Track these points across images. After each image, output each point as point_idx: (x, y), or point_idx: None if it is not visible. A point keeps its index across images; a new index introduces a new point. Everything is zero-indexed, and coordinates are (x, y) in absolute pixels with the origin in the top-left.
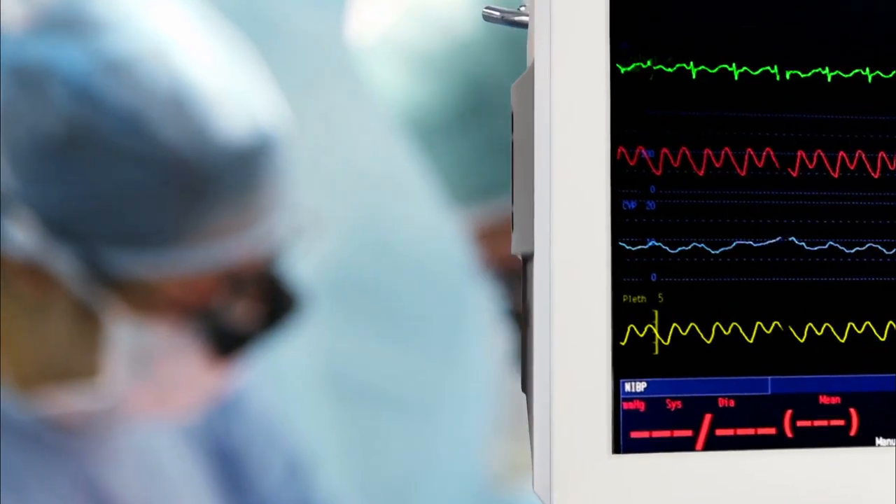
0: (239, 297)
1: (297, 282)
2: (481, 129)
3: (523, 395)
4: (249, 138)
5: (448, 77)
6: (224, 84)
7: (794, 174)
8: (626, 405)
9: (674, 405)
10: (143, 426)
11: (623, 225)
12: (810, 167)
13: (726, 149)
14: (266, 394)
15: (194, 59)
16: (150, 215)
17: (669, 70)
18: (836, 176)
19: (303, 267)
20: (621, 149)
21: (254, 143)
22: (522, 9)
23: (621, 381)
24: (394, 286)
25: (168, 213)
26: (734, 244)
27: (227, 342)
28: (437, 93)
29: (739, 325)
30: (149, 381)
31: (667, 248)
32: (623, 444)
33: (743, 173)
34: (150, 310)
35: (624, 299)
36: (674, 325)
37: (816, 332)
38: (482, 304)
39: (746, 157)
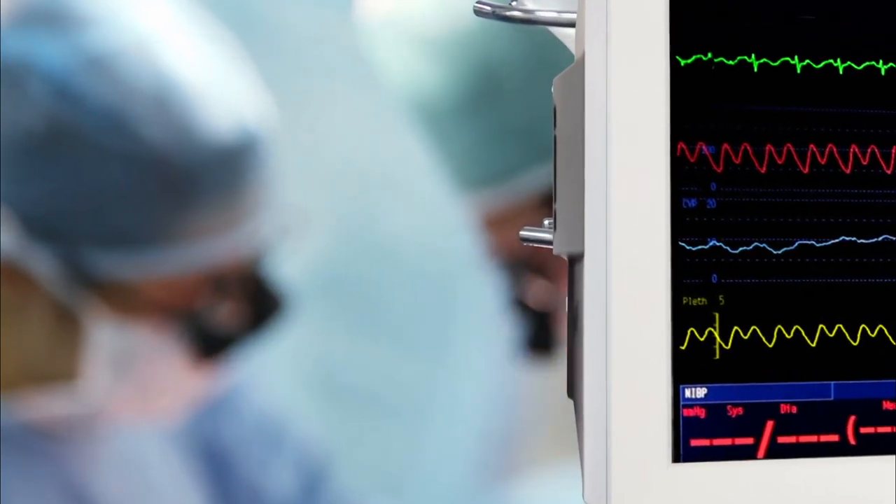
0: (223, 299)
1: (283, 282)
2: (490, 113)
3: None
4: (235, 136)
5: (456, 62)
6: (209, 80)
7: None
8: (686, 412)
9: (735, 412)
10: (126, 429)
11: (683, 224)
12: (865, 164)
13: (788, 145)
14: (254, 396)
15: (178, 54)
16: (133, 215)
17: (731, 63)
18: None
19: (289, 267)
20: (681, 145)
21: (239, 141)
22: (514, 3)
23: (681, 386)
24: (382, 284)
25: (151, 213)
26: (796, 244)
27: (211, 344)
28: (445, 77)
29: (801, 328)
30: (131, 385)
31: (728, 249)
32: (683, 452)
33: (805, 170)
34: (132, 311)
35: (684, 301)
36: (735, 328)
37: (879, 335)
38: (476, 299)
39: (809, 153)
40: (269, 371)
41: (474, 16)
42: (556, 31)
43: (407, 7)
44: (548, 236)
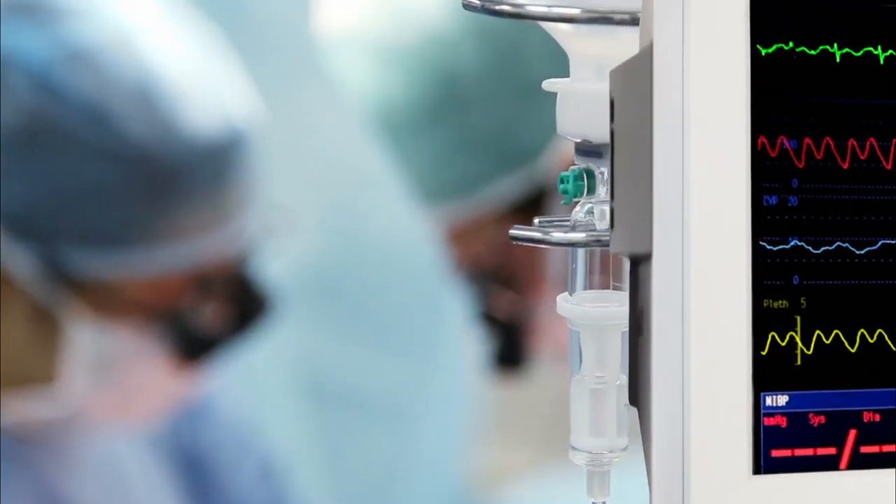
0: (208, 299)
1: (268, 283)
2: (453, 123)
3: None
4: (219, 133)
5: (419, 70)
6: (193, 75)
7: None
8: (766, 421)
9: (817, 420)
10: (105, 434)
11: (764, 222)
12: None
13: (871, 139)
14: (237, 399)
15: (162, 48)
16: (114, 213)
17: (812, 52)
18: None
19: (275, 267)
20: (762, 139)
21: (224, 138)
22: None
23: (762, 394)
24: (369, 286)
25: (133, 211)
26: (879, 244)
27: (194, 346)
28: (407, 87)
29: (885, 331)
30: (111, 388)
31: (810, 248)
32: (764, 464)
33: (889, 166)
34: (113, 312)
35: (765, 304)
36: (817, 332)
37: None
38: (459, 304)
39: (892, 148)
40: (253, 374)
41: (435, 24)
42: (547, 26)
43: (367, 16)
44: (538, 235)
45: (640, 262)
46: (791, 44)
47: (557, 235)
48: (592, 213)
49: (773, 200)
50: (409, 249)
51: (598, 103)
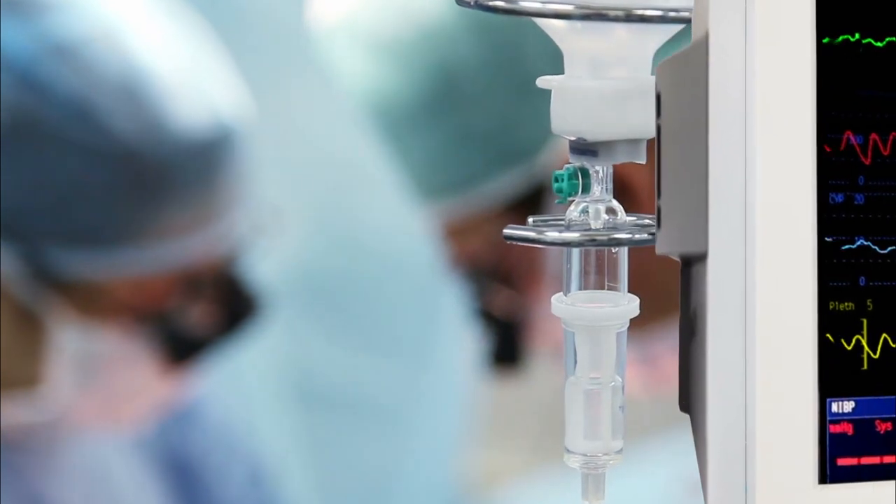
0: (195, 300)
1: (258, 283)
2: (450, 119)
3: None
4: (208, 129)
5: (414, 65)
6: (181, 70)
7: None
8: (832, 428)
9: (883, 427)
10: (91, 438)
11: (829, 221)
12: None
13: None
14: (226, 402)
15: (149, 42)
16: (100, 212)
17: (879, 45)
18: None
19: (265, 267)
20: (827, 134)
21: (212, 135)
22: None
23: (828, 400)
24: (361, 285)
25: (119, 210)
26: None
27: (182, 348)
28: (402, 81)
29: None
30: (97, 391)
31: (876, 248)
32: (830, 472)
33: None
34: (98, 313)
35: (830, 307)
36: (883, 335)
37: None
38: (454, 303)
39: None
40: (242, 376)
41: (431, 18)
42: (541, 22)
43: (361, 9)
44: (532, 234)
45: (692, 263)
46: (857, 35)
47: (552, 235)
48: (587, 212)
49: (839, 198)
50: (403, 248)
51: (593, 100)
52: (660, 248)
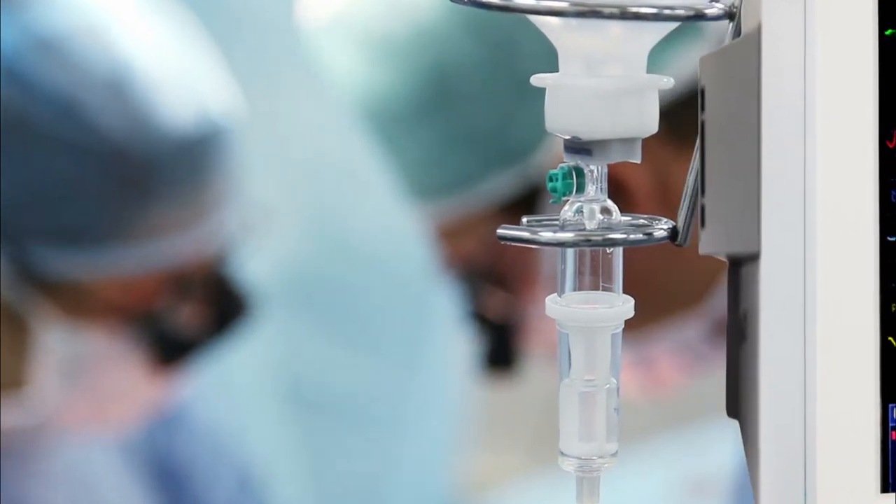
0: (184, 300)
1: (247, 283)
2: (444, 118)
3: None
4: (196, 126)
5: (408, 63)
6: (169, 65)
7: None
8: (895, 435)
9: None
10: (77, 442)
11: (892, 220)
12: None
13: None
14: (215, 405)
15: (136, 37)
16: (86, 210)
17: None
18: None
19: (254, 267)
20: (889, 129)
21: (201, 132)
22: None
23: (890, 406)
24: (353, 287)
25: (105, 208)
26: None
27: (170, 349)
28: (396, 80)
29: None
30: (83, 393)
31: None
32: (893, 481)
33: None
34: (84, 314)
35: (893, 308)
36: None
37: None
38: (447, 305)
39: None
40: (231, 379)
41: (425, 15)
42: (535, 19)
43: (353, 5)
44: (526, 234)
45: (742, 263)
46: None
47: (546, 235)
48: (582, 212)
49: None
50: (395, 248)
51: (588, 99)
52: (703, 248)
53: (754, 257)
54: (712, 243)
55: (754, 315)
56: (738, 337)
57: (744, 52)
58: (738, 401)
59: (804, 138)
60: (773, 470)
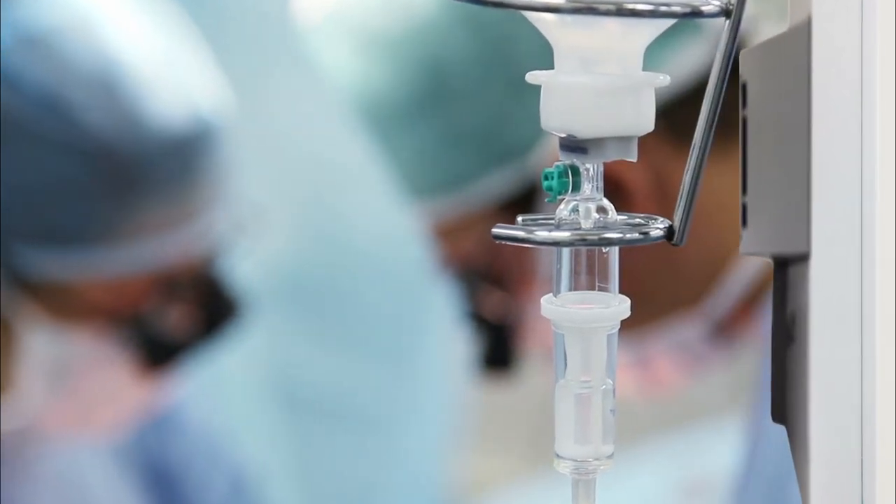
0: (173, 302)
1: (238, 284)
2: (440, 116)
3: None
4: (186, 124)
5: (403, 60)
6: (158, 62)
7: None
8: None
9: None
10: (64, 446)
11: None
12: None
13: None
14: (206, 408)
15: (124, 33)
16: (73, 210)
17: None
18: None
19: (245, 267)
20: None
21: (191, 130)
22: None
23: None
24: (347, 287)
25: (93, 208)
26: None
27: (159, 352)
28: (392, 76)
29: None
30: (70, 397)
31: None
32: None
33: None
34: (71, 316)
35: None
36: None
37: None
38: (441, 305)
39: None
40: (222, 381)
41: (422, 11)
42: (531, 16)
43: (349, 2)
44: (522, 234)
45: (789, 264)
46: None
47: (541, 234)
48: (577, 210)
49: None
50: (391, 248)
51: (583, 96)
52: (745, 248)
53: (803, 258)
54: (755, 243)
55: (803, 317)
56: (784, 340)
57: (791, 45)
58: (785, 406)
59: (860, 133)
60: (825, 478)
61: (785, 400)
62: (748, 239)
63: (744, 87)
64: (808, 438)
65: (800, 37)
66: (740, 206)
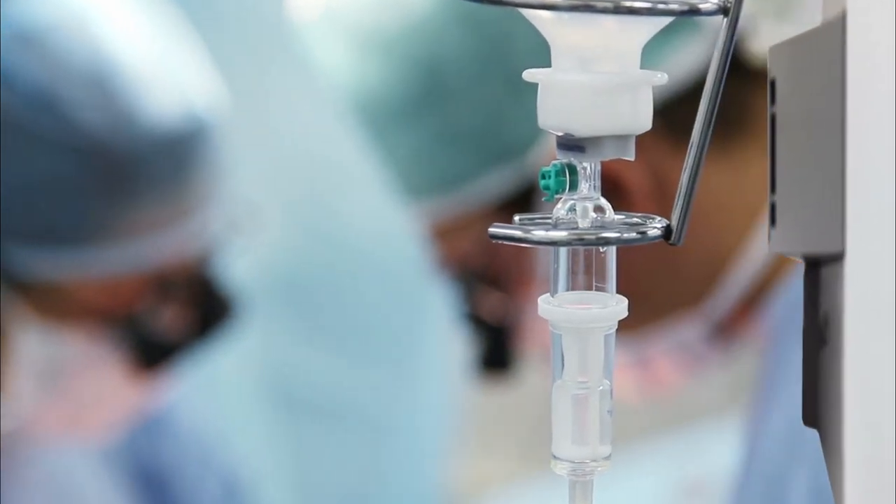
0: (167, 302)
1: (233, 283)
2: (438, 114)
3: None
4: (180, 122)
5: (400, 58)
6: (152, 59)
7: None
8: None
9: None
10: (55, 449)
11: None
12: None
13: None
14: (199, 410)
15: (118, 30)
16: (65, 209)
17: None
18: None
19: (240, 267)
20: None
21: (185, 128)
22: None
23: None
24: (343, 287)
25: (85, 207)
26: None
27: (152, 353)
28: (388, 74)
29: None
30: (61, 398)
31: None
32: None
33: None
34: (62, 316)
35: None
36: None
37: None
38: (439, 306)
39: None
40: (216, 382)
41: (418, 8)
42: (528, 13)
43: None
44: (519, 233)
45: (822, 264)
46: None
47: (538, 234)
48: (575, 210)
49: None
50: (387, 248)
51: (580, 95)
52: (774, 248)
53: (837, 257)
54: (785, 242)
55: (837, 319)
56: (816, 341)
57: (824, 40)
58: (818, 409)
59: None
60: (860, 483)
61: (818, 403)
62: (777, 238)
63: (772, 83)
64: (842, 442)
65: (833, 32)
66: (768, 205)
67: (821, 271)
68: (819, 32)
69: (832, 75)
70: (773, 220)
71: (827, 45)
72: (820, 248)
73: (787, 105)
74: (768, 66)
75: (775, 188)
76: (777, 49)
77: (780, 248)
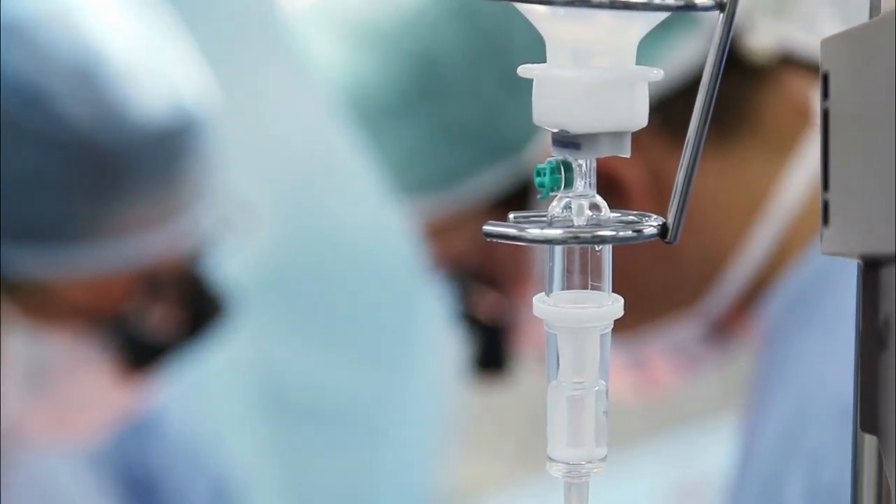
0: (156, 302)
1: (223, 283)
2: (432, 111)
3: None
4: (169, 117)
5: (394, 53)
6: (140, 52)
7: None
8: None
9: None
10: (41, 452)
11: None
12: None
13: None
14: (189, 412)
15: (105, 22)
16: (52, 205)
17: None
18: None
19: (231, 266)
20: None
21: (175, 123)
22: None
23: None
24: (336, 287)
25: (73, 204)
26: None
27: (141, 354)
28: (382, 69)
29: None
30: (47, 400)
31: None
32: None
33: None
34: (49, 316)
35: None
36: None
37: None
38: (433, 306)
39: None
40: (206, 384)
41: (412, 3)
42: (523, 8)
43: None
44: (513, 231)
45: (881, 265)
46: None
47: (533, 232)
48: (570, 208)
49: None
50: (381, 247)
51: (576, 91)
52: (827, 248)
53: (890, 259)
54: (839, 243)
55: (894, 322)
56: (875, 345)
57: (880, 34)
58: (877, 415)
59: None
60: None
61: (877, 409)
62: (830, 238)
63: (825, 77)
64: None
65: (889, 25)
66: (821, 203)
67: (880, 273)
68: (876, 25)
69: (888, 69)
70: (825, 220)
71: (883, 39)
72: (879, 248)
73: (842, 100)
74: (820, 59)
75: (828, 185)
76: (829, 42)
77: (833, 249)
